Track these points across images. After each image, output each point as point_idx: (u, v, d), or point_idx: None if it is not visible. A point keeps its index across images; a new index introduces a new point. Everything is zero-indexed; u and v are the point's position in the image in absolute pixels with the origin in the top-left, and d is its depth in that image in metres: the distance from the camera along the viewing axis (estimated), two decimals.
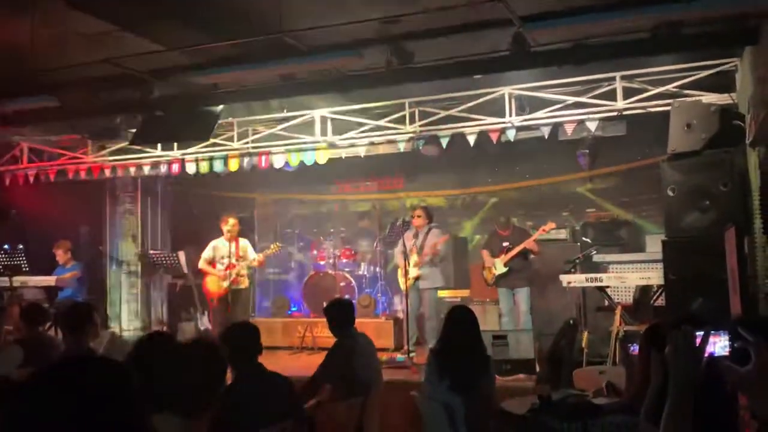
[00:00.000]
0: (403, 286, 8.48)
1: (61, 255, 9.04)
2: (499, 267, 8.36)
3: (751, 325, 2.01)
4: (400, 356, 8.18)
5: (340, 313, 5.34)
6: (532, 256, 8.43)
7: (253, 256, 8.78)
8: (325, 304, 5.58)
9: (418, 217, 8.64)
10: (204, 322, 10.14)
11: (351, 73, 6.40)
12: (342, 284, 10.21)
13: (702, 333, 1.99)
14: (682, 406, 1.93)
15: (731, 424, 2.66)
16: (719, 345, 1.99)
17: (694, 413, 1.95)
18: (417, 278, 8.38)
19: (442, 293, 9.26)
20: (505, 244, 8.42)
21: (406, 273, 8.26)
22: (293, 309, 11.09)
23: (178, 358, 2.37)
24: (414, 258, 8.34)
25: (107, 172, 9.51)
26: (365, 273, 10.66)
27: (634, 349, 5.27)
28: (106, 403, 1.16)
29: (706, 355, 1.99)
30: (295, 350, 9.33)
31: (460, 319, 4.86)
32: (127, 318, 10.64)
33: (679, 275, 5.90)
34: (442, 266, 8.76)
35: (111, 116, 8.08)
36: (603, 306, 7.52)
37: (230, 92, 6.83)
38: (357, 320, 5.50)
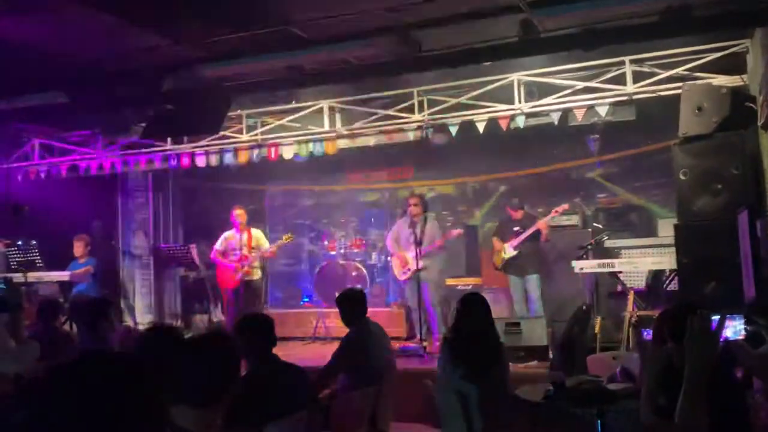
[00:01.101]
0: (399, 276, 8.44)
1: (79, 248, 9.09)
2: (508, 251, 8.31)
3: (765, 309, 2.01)
4: (412, 345, 8.19)
5: (352, 304, 5.35)
6: (542, 241, 8.37)
7: (267, 246, 8.81)
8: (336, 295, 5.59)
9: (415, 205, 8.35)
10: (217, 314, 10.21)
11: (359, 64, 6.39)
12: (354, 274, 10.23)
13: (718, 317, 1.99)
14: (698, 388, 1.93)
15: (744, 407, 2.66)
16: (733, 329, 2.00)
17: (708, 395, 1.95)
18: (419, 269, 8.09)
19: (452, 281, 9.23)
20: (516, 228, 8.37)
21: (406, 263, 8.22)
22: (305, 299, 11.14)
23: (189, 350, 2.39)
24: (413, 251, 8.10)
25: (119, 167, 9.55)
26: (376, 262, 10.67)
27: (648, 334, 5.28)
28: (122, 398, 1.17)
29: (721, 339, 2.00)
30: (308, 341, 9.37)
31: (473, 307, 4.86)
32: (141, 312, 10.70)
33: (691, 259, 5.89)
34: (445, 256, 8.63)
35: (121, 111, 8.11)
36: (615, 291, 7.51)
37: (239, 84, 6.84)
38: (369, 310, 5.51)
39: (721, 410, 2.13)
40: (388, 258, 10.61)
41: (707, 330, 1.95)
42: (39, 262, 8.93)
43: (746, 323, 1.95)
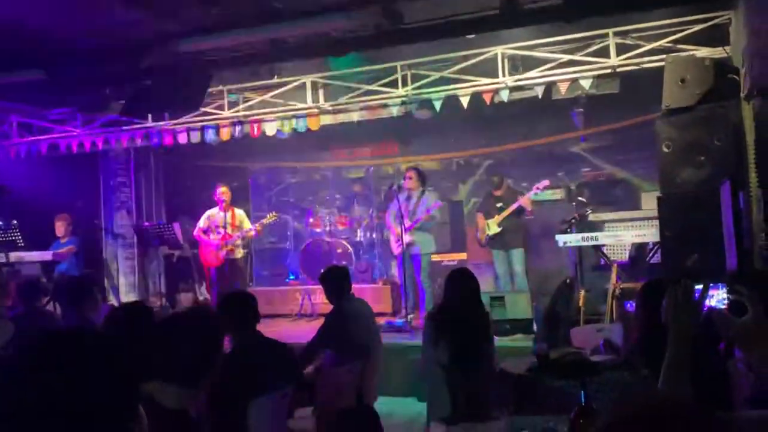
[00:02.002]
0: (395, 251, 8.47)
1: (61, 228, 9.01)
2: (492, 227, 8.37)
3: (747, 278, 2.01)
4: (398, 320, 8.21)
5: (335, 281, 5.33)
6: (526, 216, 8.41)
7: (249, 227, 8.77)
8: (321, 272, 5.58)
9: (410, 178, 8.43)
10: (202, 293, 10.18)
11: (340, 37, 6.32)
12: (339, 251, 10.22)
13: (701, 286, 1.98)
14: (681, 358, 1.93)
15: (726, 376, 2.68)
16: (716, 298, 1.99)
17: (691, 365, 1.95)
18: (410, 244, 8.23)
19: (437, 257, 9.25)
20: (498, 205, 8.42)
21: (400, 237, 8.24)
22: (291, 277, 11.13)
23: (170, 327, 2.36)
24: (407, 222, 8.24)
25: (99, 145, 9.42)
26: (362, 239, 10.66)
27: (631, 306, 5.31)
28: (92, 374, 1.14)
29: (704, 308, 1.99)
30: (293, 318, 9.38)
31: (461, 282, 4.85)
32: (124, 291, 10.65)
33: (674, 231, 5.92)
34: (436, 232, 8.70)
35: (100, 88, 7.99)
36: (599, 264, 7.55)
37: (218, 59, 6.74)
38: (355, 286, 5.50)
39: (703, 379, 2.13)
40: (374, 234, 10.62)
41: (690, 299, 1.95)
42: (20, 242, 8.83)
43: (729, 292, 1.95)
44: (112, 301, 10.26)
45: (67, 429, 1.10)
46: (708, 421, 0.82)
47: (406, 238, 8.16)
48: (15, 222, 9.09)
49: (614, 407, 0.91)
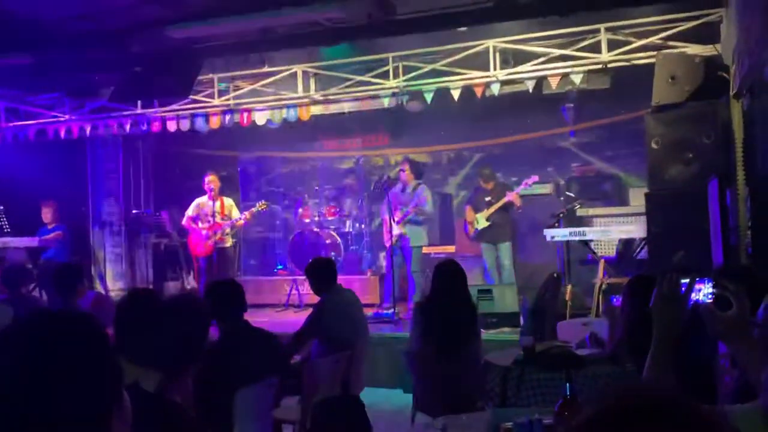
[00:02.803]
0: (387, 243, 8.49)
1: (47, 214, 8.95)
2: (481, 221, 8.42)
3: (733, 273, 2.03)
4: (386, 311, 8.23)
5: (321, 272, 5.31)
6: (515, 209, 8.45)
7: (238, 215, 8.74)
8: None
9: (404, 171, 8.47)
10: (190, 281, 10.15)
11: (332, 26, 6.29)
12: (328, 242, 10.20)
13: (687, 280, 2.00)
14: (666, 350, 1.94)
15: (710, 371, 2.70)
16: (703, 293, 2.01)
17: (676, 359, 1.97)
18: (401, 236, 8.26)
19: (426, 249, 9.27)
20: (488, 199, 8.45)
21: (391, 229, 8.26)
22: (279, 267, 11.11)
23: (160, 313, 2.35)
24: (399, 214, 8.26)
25: (87, 131, 9.35)
26: (351, 230, 10.65)
27: (617, 300, 5.33)
28: (72, 354, 1.14)
29: (690, 302, 2.01)
30: (281, 308, 9.37)
31: (448, 274, 4.86)
32: (112, 278, 10.60)
33: (661, 227, 5.94)
34: (427, 225, 8.72)
35: (89, 73, 7.92)
36: (586, 259, 7.59)
37: (209, 47, 6.70)
38: (343, 277, 5.50)
39: (687, 374, 2.15)
40: (362, 226, 10.62)
41: (676, 292, 1.96)
42: (6, 228, 8.77)
43: (714, 287, 1.96)
44: (99, 288, 10.22)
45: (46, 409, 1.09)
46: (693, 411, 0.83)
47: (398, 230, 8.19)
48: (1, 207, 9.03)
49: (599, 397, 0.91)
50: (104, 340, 1.20)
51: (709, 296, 2.03)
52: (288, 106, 8.52)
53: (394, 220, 8.19)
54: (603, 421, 0.84)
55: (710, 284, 2.02)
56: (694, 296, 2.00)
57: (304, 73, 8.24)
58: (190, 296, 2.21)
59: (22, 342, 1.14)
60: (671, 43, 6.78)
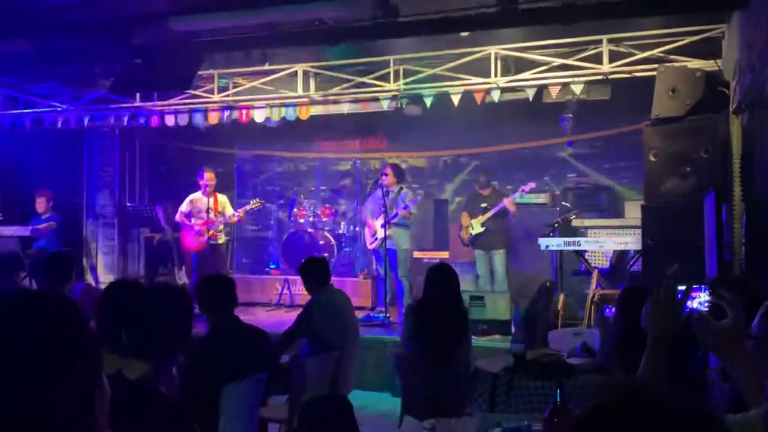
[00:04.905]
0: (369, 245, 8.45)
1: (41, 204, 8.90)
2: (476, 227, 8.42)
3: (729, 283, 2.01)
4: (377, 314, 8.20)
5: (314, 272, 5.29)
6: (510, 217, 8.44)
7: (232, 212, 8.71)
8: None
9: (386, 175, 8.33)
10: (181, 277, 10.10)
11: (335, 25, 6.27)
12: (321, 242, 10.18)
13: (684, 288, 1.98)
14: (660, 358, 1.93)
15: (701, 383, 2.68)
16: (698, 301, 1.99)
17: (669, 366, 1.95)
18: (385, 239, 8.10)
19: (419, 254, 9.25)
20: (483, 205, 8.44)
21: (375, 233, 8.21)
22: (272, 266, 11.07)
23: (142, 303, 2.32)
24: (381, 219, 8.12)
25: (85, 122, 9.30)
26: (345, 232, 10.63)
27: (610, 311, 5.31)
28: (50, 335, 1.12)
29: (686, 309, 1.99)
30: (272, 307, 9.33)
31: (441, 277, 4.85)
32: (103, 270, 10.54)
33: (656, 240, 5.94)
34: (413, 229, 8.67)
35: (89, 64, 7.89)
36: (579, 270, 7.57)
37: (210, 41, 6.67)
38: (336, 279, 5.48)
39: (680, 382, 2.13)
40: (357, 228, 10.59)
41: (672, 299, 1.94)
42: None
43: (711, 295, 1.94)
44: (90, 280, 10.17)
45: (24, 389, 1.07)
46: (687, 407, 0.81)
47: (383, 233, 8.09)
48: None
49: (592, 399, 0.89)
50: (82, 322, 1.17)
51: (705, 304, 2.01)
52: (287, 105, 8.50)
53: (381, 224, 8.09)
54: (601, 416, 0.83)
55: (707, 292, 2.00)
56: (689, 304, 1.99)
57: (305, 72, 8.23)
58: (174, 287, 2.18)
59: None
60: (673, 56, 6.79)
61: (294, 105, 8.47)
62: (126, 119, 9.19)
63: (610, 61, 7.01)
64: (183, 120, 8.91)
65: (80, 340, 1.15)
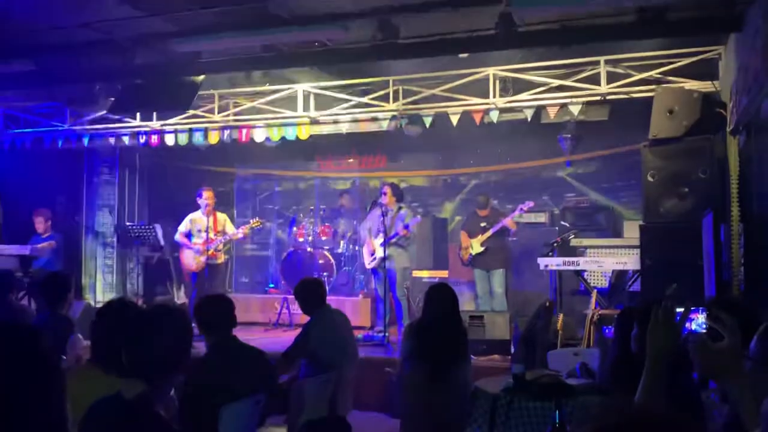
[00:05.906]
0: (367, 265, 8.44)
1: (40, 224, 8.91)
2: (475, 247, 8.43)
3: (727, 305, 2.02)
4: (377, 334, 8.17)
5: (309, 293, 5.27)
6: (509, 238, 8.46)
7: (233, 230, 8.71)
8: None
9: (385, 194, 8.29)
10: (180, 296, 10.08)
11: (335, 47, 6.32)
12: (321, 261, 10.16)
13: (682, 309, 1.99)
14: (658, 377, 1.93)
15: (699, 405, 2.68)
16: (696, 323, 2.00)
17: (667, 391, 1.95)
18: (384, 259, 8.02)
19: (418, 273, 9.24)
20: (483, 224, 8.46)
21: (373, 252, 8.21)
22: (271, 285, 11.05)
23: (137, 323, 2.33)
24: (380, 238, 8.09)
25: (85, 141, 9.34)
26: (344, 251, 10.62)
27: (609, 331, 5.31)
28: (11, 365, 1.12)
29: (684, 331, 1.99)
30: (270, 327, 9.30)
31: (440, 297, 4.85)
32: (102, 289, 10.54)
33: (655, 260, 5.96)
34: (411, 248, 8.64)
35: (90, 83, 7.94)
36: (578, 290, 7.57)
37: (211, 62, 6.72)
38: (334, 298, 5.47)
39: (677, 404, 2.13)
40: (356, 247, 10.58)
41: (671, 320, 1.95)
42: None
43: (708, 318, 1.95)
44: (89, 299, 10.15)
45: None
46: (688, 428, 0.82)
47: (381, 253, 8.06)
48: None
49: (592, 421, 0.90)
50: (44, 351, 1.17)
51: (703, 326, 2.01)
52: (287, 125, 8.54)
53: (377, 242, 8.08)
54: None
55: (704, 314, 2.01)
56: (688, 325, 1.99)
57: (305, 92, 8.27)
58: (170, 307, 2.18)
59: None
60: (670, 78, 6.84)
61: (294, 125, 8.51)
62: (126, 139, 9.23)
63: (608, 82, 7.06)
64: (183, 139, 8.95)
65: (41, 368, 1.15)
